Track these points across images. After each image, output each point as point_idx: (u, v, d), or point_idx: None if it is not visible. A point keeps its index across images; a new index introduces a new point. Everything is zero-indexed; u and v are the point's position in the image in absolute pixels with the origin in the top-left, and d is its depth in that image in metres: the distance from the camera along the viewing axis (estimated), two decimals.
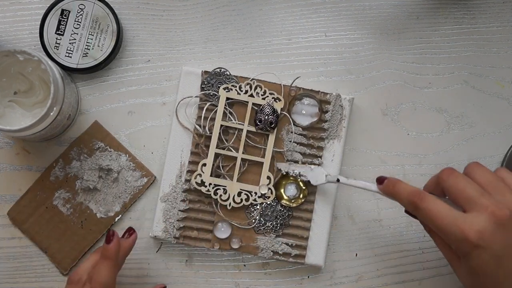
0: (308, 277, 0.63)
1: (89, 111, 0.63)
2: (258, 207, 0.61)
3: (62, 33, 0.60)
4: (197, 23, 0.63)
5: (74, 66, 0.60)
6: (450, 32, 0.65)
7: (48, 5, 0.60)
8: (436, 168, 0.64)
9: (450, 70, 0.64)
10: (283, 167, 0.60)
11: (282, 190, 0.61)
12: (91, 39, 0.60)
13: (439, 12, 0.65)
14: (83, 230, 0.61)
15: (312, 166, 0.60)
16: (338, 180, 0.57)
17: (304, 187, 0.61)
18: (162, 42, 0.63)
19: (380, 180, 0.54)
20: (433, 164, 0.64)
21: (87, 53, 0.60)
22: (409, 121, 0.64)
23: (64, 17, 0.60)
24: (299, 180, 0.60)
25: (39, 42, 0.60)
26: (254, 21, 0.64)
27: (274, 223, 0.60)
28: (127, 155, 0.62)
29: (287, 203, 0.61)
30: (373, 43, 0.64)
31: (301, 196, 0.61)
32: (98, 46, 0.60)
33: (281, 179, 0.61)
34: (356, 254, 0.63)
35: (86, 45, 0.60)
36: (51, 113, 0.54)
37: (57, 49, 0.60)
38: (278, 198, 0.61)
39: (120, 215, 0.61)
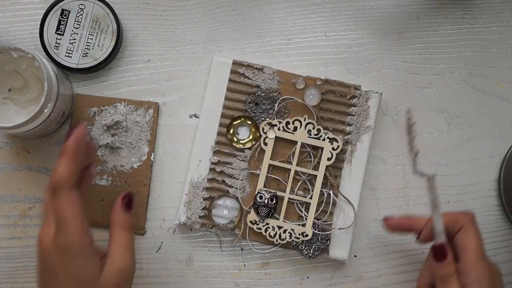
0: (308, 277, 0.63)
1: None
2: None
3: (62, 33, 0.60)
4: (197, 23, 0.63)
5: (74, 66, 0.60)
6: (450, 32, 0.65)
7: (48, 5, 0.60)
8: (436, 168, 0.64)
9: (450, 70, 0.64)
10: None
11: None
12: (91, 39, 0.60)
13: (439, 12, 0.65)
14: (132, 186, 0.61)
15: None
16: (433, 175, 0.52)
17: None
18: (162, 42, 0.63)
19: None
20: (433, 164, 0.64)
21: (87, 53, 0.60)
22: None
23: (64, 17, 0.60)
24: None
25: (39, 42, 0.60)
26: (254, 21, 0.64)
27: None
28: (122, 102, 0.62)
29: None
30: (373, 43, 0.64)
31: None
32: (98, 46, 0.61)
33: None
34: (355, 256, 0.63)
35: (86, 45, 0.60)
36: (45, 110, 0.54)
37: (57, 49, 0.60)
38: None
39: (153, 152, 0.62)
